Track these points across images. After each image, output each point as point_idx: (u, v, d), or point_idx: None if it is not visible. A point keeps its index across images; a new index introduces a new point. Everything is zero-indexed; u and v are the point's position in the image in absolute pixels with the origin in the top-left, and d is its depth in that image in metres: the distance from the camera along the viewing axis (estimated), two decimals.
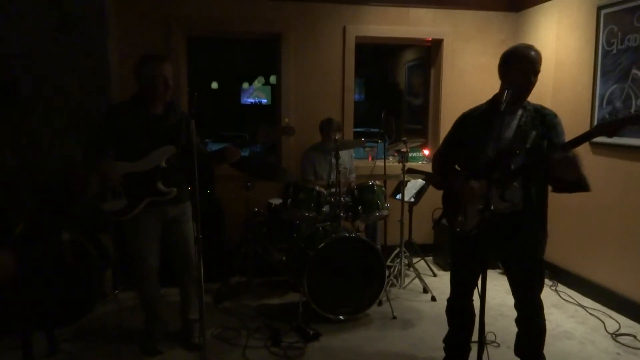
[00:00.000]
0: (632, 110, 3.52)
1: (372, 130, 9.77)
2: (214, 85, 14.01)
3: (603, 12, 3.79)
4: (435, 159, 2.71)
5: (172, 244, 2.97)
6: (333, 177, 3.79)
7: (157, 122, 2.81)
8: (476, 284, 2.54)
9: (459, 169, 2.58)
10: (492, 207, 2.19)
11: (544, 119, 2.33)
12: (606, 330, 3.41)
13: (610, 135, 2.01)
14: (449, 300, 2.70)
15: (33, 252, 3.41)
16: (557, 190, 2.30)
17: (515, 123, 2.33)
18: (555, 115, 2.36)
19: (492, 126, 2.33)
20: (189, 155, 2.46)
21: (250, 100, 15.80)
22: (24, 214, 3.67)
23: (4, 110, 3.93)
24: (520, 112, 2.36)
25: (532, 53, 2.33)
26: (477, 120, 2.43)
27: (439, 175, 2.65)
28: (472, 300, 2.63)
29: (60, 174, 3.92)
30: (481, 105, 2.51)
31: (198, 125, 2.44)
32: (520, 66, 2.32)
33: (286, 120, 3.02)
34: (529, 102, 2.40)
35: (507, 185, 2.28)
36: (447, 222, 2.60)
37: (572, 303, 3.89)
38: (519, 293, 2.47)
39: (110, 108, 2.89)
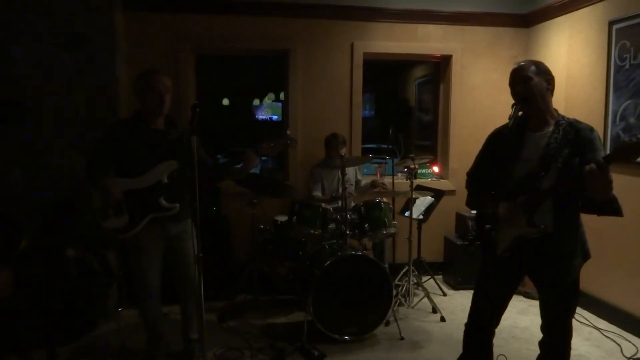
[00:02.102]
0: None
1: (383, 146, 9.73)
2: (225, 102, 14.11)
3: (615, 27, 3.73)
4: (468, 177, 2.58)
5: (174, 262, 2.93)
6: (340, 190, 3.74)
7: (159, 137, 2.79)
8: (501, 309, 2.45)
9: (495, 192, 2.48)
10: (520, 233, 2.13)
11: (578, 134, 2.16)
12: (623, 354, 3.28)
13: (632, 159, 1.85)
14: (467, 325, 2.53)
15: (37, 268, 3.40)
16: (585, 210, 2.17)
17: (544, 141, 2.20)
18: (591, 130, 2.19)
19: (520, 145, 2.25)
20: (193, 171, 2.41)
21: (262, 117, 15.89)
22: (30, 230, 3.67)
23: (13, 127, 3.97)
24: (551, 128, 2.22)
25: (515, 66, 2.28)
26: (506, 139, 2.28)
27: (470, 194, 2.54)
28: (495, 326, 2.49)
29: (68, 190, 3.93)
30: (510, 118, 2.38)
31: (209, 141, 2.40)
32: (510, 80, 2.28)
33: (288, 132, 2.98)
34: (563, 117, 2.25)
35: (535, 208, 2.16)
36: (481, 244, 2.46)
37: (587, 325, 3.76)
38: (548, 316, 2.36)
39: (112, 125, 2.89)
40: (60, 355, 3.12)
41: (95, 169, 2.79)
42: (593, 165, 1.87)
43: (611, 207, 2.04)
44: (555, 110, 2.29)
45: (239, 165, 2.87)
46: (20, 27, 3.93)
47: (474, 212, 2.56)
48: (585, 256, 2.29)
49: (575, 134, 2.17)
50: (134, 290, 2.95)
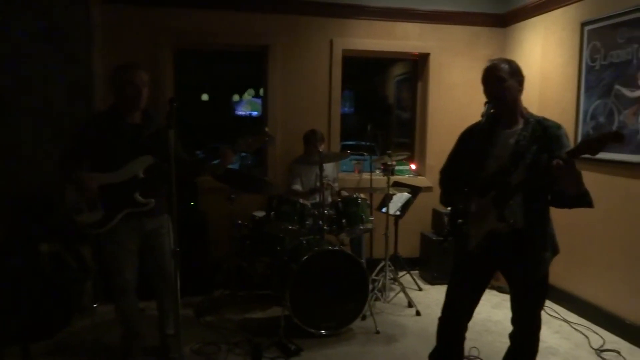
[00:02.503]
0: (614, 127, 3.54)
1: (362, 143, 9.78)
2: (205, 97, 14.00)
3: (587, 28, 3.83)
4: (441, 174, 2.63)
5: (150, 258, 2.91)
6: (318, 184, 3.76)
7: (135, 132, 2.76)
8: (474, 303, 2.51)
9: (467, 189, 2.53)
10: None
11: (546, 131, 2.24)
12: (590, 346, 3.39)
13: (593, 153, 1.94)
14: (441, 319, 2.58)
15: (10, 263, 3.35)
16: (556, 204, 2.24)
17: (514, 138, 2.27)
18: (558, 127, 2.27)
19: (490, 142, 2.31)
20: (170, 166, 2.39)
21: (241, 112, 15.82)
22: (3, 225, 3.61)
23: None
24: (520, 126, 2.30)
25: (488, 65, 2.34)
26: (477, 136, 2.35)
27: (444, 192, 2.58)
28: (468, 320, 2.54)
29: (41, 184, 3.86)
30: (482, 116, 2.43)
31: (188, 136, 2.39)
32: (483, 79, 2.34)
33: (266, 128, 2.98)
34: (532, 115, 2.33)
35: (505, 204, 2.22)
36: (454, 239, 2.50)
37: (558, 318, 3.87)
38: (519, 309, 2.43)
39: (87, 118, 2.85)
40: (35, 352, 3.08)
41: (70, 162, 2.75)
42: (559, 160, 1.94)
43: (583, 201, 2.10)
44: (525, 108, 2.36)
45: (215, 162, 2.87)
46: None
47: (448, 209, 2.60)
48: (555, 251, 2.36)
49: (543, 131, 2.24)
50: (110, 286, 2.92)
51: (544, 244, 2.32)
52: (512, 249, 2.30)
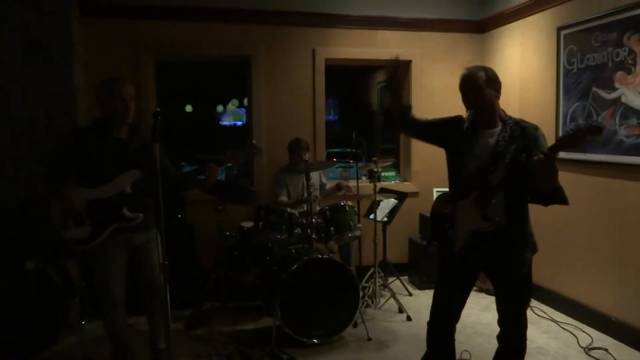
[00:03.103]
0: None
1: (347, 150, 9.83)
2: (188, 108, 13.96)
3: (563, 32, 3.92)
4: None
5: (139, 272, 2.89)
6: (305, 194, 3.77)
7: (121, 146, 2.75)
8: (459, 306, 2.53)
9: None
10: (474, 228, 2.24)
11: (524, 132, 2.31)
12: (579, 345, 3.44)
13: (573, 147, 2.00)
14: (430, 323, 2.60)
15: None
16: (533, 200, 2.29)
17: (494, 139, 2.33)
18: (536, 128, 2.34)
19: (470, 143, 2.37)
20: (157, 180, 2.36)
21: (226, 123, 15.78)
22: None
23: None
24: (499, 127, 2.36)
25: (465, 73, 2.39)
26: (458, 135, 2.42)
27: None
28: (456, 322, 2.57)
29: (24, 200, 3.81)
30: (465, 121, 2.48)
31: (172, 148, 2.38)
32: (460, 88, 2.40)
33: (254, 141, 3.00)
34: (510, 117, 2.39)
35: (487, 203, 2.27)
36: (437, 242, 2.56)
37: (546, 318, 3.92)
38: (504, 309, 2.46)
39: (72, 133, 2.83)
40: None
41: (55, 178, 2.71)
42: (541, 155, 2.01)
43: (558, 196, 2.17)
44: (503, 110, 2.42)
45: (201, 177, 2.87)
46: None
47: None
48: (534, 249, 2.41)
49: (522, 132, 2.32)
50: (98, 302, 2.89)
51: (524, 243, 2.37)
52: (495, 249, 2.34)
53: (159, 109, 2.42)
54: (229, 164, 4.29)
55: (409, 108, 2.63)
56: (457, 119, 2.51)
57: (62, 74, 3.98)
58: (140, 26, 4.39)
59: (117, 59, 4.34)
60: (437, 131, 2.56)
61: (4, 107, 3.89)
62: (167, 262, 2.36)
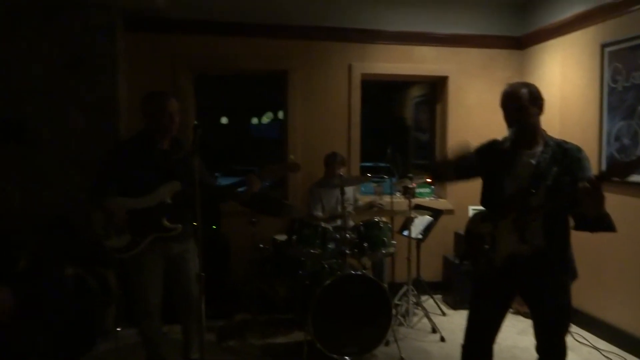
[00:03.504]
0: None
1: (380, 164, 9.78)
2: (224, 120, 14.23)
3: (607, 50, 3.82)
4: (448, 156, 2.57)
5: (175, 282, 2.93)
6: (340, 208, 3.76)
7: (163, 158, 2.82)
8: (496, 328, 2.46)
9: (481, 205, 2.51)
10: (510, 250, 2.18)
11: (566, 153, 2.25)
12: None
13: (622, 177, 1.93)
14: (464, 345, 2.53)
15: (36, 287, 3.39)
16: (579, 227, 2.20)
17: (534, 160, 2.27)
18: (579, 150, 2.27)
19: (510, 163, 2.31)
20: (195, 191, 2.42)
21: (260, 135, 16.00)
22: (29, 249, 3.67)
23: (12, 146, 3.99)
24: (540, 148, 2.30)
25: (507, 90, 2.34)
26: (497, 156, 2.36)
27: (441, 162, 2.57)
28: (492, 345, 2.49)
29: (66, 208, 3.94)
30: (503, 140, 2.40)
31: (208, 158, 2.42)
32: (502, 105, 2.35)
33: (292, 157, 3.01)
34: (551, 138, 2.33)
35: (526, 225, 2.21)
36: (471, 262, 2.50)
37: (587, 345, 3.77)
38: (542, 335, 2.37)
39: (116, 144, 2.91)
40: None
41: (99, 188, 2.80)
42: (586, 183, 1.94)
43: (604, 224, 2.08)
44: (544, 130, 2.36)
45: (241, 189, 2.90)
46: (22, 48, 3.97)
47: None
48: (574, 275, 2.33)
49: (563, 153, 2.25)
50: (134, 309, 2.94)
51: (564, 268, 2.29)
52: (532, 272, 2.27)
53: (197, 122, 2.47)
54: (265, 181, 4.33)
55: (454, 166, 2.50)
56: (493, 143, 2.46)
57: (105, 86, 4.12)
58: (181, 41, 4.51)
59: (157, 73, 4.46)
60: (475, 167, 2.47)
61: (49, 118, 4.03)
62: (203, 274, 2.38)
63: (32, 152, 4.02)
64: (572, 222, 2.26)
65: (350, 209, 4.37)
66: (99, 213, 2.75)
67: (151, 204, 2.73)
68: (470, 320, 2.51)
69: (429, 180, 4.41)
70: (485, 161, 2.44)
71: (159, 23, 4.43)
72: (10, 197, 3.98)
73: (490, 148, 2.46)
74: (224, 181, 3.33)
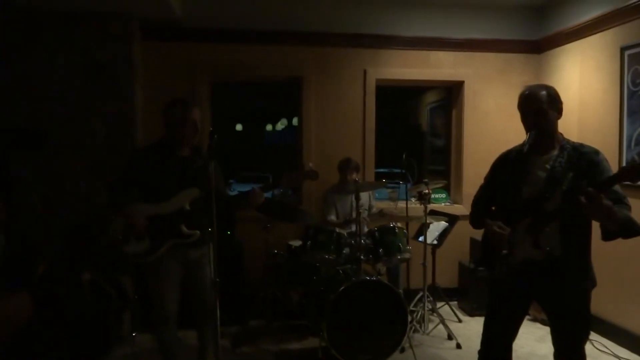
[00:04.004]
0: None
1: (395, 170, 9.74)
2: (239, 127, 14.33)
3: (627, 52, 3.76)
4: (474, 200, 2.59)
5: (192, 288, 2.94)
6: (354, 214, 3.75)
7: (183, 165, 2.84)
8: (512, 335, 2.42)
9: (495, 212, 2.47)
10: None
11: (582, 158, 2.19)
12: None
13: (634, 181, 1.89)
14: (481, 352, 2.49)
15: (54, 293, 3.43)
16: (604, 237, 2.09)
17: (550, 164, 2.23)
18: (597, 152, 2.21)
19: (525, 168, 2.27)
20: (211, 198, 2.47)
21: (274, 142, 16.07)
22: (47, 255, 3.72)
23: (33, 154, 4.06)
24: (556, 152, 2.25)
25: (526, 92, 2.29)
26: (512, 162, 2.33)
27: (476, 218, 2.54)
28: (510, 351, 2.45)
29: (84, 215, 3.99)
30: (518, 146, 2.39)
31: (222, 165, 2.44)
32: (520, 108, 2.31)
33: (310, 164, 3.02)
34: (568, 141, 2.28)
35: (540, 231, 2.17)
36: (486, 268, 2.45)
37: (607, 353, 3.69)
38: (560, 342, 2.32)
39: (136, 151, 2.95)
40: None
41: (119, 194, 2.83)
42: (583, 198, 1.90)
43: (629, 229, 2.01)
44: (560, 134, 2.32)
45: (244, 201, 2.91)
46: (41, 57, 4.05)
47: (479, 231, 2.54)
48: (593, 283, 2.27)
49: (579, 157, 2.20)
50: (151, 315, 2.95)
51: (582, 275, 2.24)
52: (549, 278, 2.22)
53: (212, 129, 2.49)
54: (284, 189, 4.35)
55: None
56: (503, 156, 2.46)
57: (123, 94, 4.17)
58: (197, 49, 4.56)
59: (175, 81, 4.51)
60: (494, 185, 2.46)
61: (67, 126, 4.09)
62: (218, 279, 2.39)
63: (52, 160, 4.09)
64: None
65: (365, 215, 4.36)
66: (119, 219, 2.78)
67: (171, 210, 2.76)
68: (487, 326, 2.47)
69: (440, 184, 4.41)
70: (500, 172, 2.42)
71: (175, 32, 4.49)
72: (32, 204, 4.05)
73: (504, 159, 2.44)
74: (239, 188, 3.37)
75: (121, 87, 4.17)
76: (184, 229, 2.77)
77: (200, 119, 2.87)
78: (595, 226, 2.16)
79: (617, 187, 2.07)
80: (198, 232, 2.79)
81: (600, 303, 3.96)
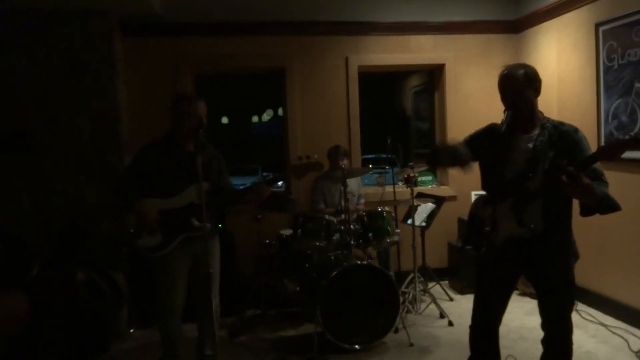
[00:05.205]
0: (638, 125, 3.51)
1: (382, 155, 9.81)
2: (224, 119, 14.28)
3: (601, 28, 3.83)
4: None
5: (197, 279, 2.97)
6: (343, 203, 3.81)
7: (191, 160, 2.85)
8: (501, 309, 2.51)
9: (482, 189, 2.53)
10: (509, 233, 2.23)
11: (563, 136, 2.25)
12: (630, 349, 3.32)
13: (610, 159, 1.97)
14: (472, 327, 2.58)
15: (50, 293, 3.45)
16: (582, 213, 2.18)
17: (531, 144, 2.28)
18: (575, 130, 2.27)
19: (508, 148, 2.32)
20: (215, 192, 2.67)
21: (261, 133, 16.04)
22: (40, 255, 3.73)
23: (20, 155, 4.05)
24: (537, 131, 2.30)
25: (504, 72, 2.34)
26: (495, 140, 2.36)
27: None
28: (498, 325, 2.55)
29: (74, 214, 4.00)
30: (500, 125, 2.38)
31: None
32: (499, 87, 2.36)
33: (315, 156, 3.09)
34: (548, 120, 2.33)
35: (523, 209, 2.24)
36: (472, 246, 2.54)
37: (594, 322, 3.80)
38: (547, 313, 2.41)
39: (143, 147, 2.97)
40: None
41: (128, 190, 2.87)
42: (564, 176, 1.97)
43: (605, 205, 2.08)
44: (541, 112, 2.37)
45: (248, 195, 2.99)
46: (23, 58, 4.02)
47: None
48: (576, 256, 2.36)
49: (560, 136, 2.26)
50: (157, 306, 2.98)
51: (565, 249, 2.33)
52: (534, 254, 2.30)
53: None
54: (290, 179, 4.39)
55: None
56: (490, 128, 2.47)
57: (105, 91, 4.16)
58: (178, 43, 4.55)
59: (158, 76, 4.51)
60: (472, 150, 2.47)
61: (52, 125, 4.08)
62: (211, 271, 2.44)
63: (39, 160, 4.08)
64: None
65: (360, 202, 4.44)
66: (131, 215, 2.83)
67: (181, 205, 2.81)
68: (476, 303, 2.56)
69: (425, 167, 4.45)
70: (483, 146, 2.45)
71: (156, 27, 4.47)
72: (21, 205, 4.04)
73: (488, 133, 2.47)
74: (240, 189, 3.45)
75: (104, 84, 4.16)
76: (195, 222, 2.80)
77: (205, 114, 2.91)
78: (576, 202, 2.23)
79: (596, 164, 2.14)
80: (208, 225, 2.82)
81: (586, 274, 4.08)
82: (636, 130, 3.51)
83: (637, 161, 3.52)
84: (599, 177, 2.16)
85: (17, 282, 3.15)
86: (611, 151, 1.96)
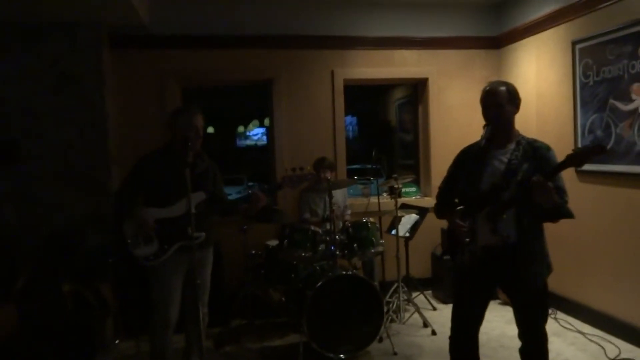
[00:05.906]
0: (612, 139, 3.65)
1: (367, 166, 9.89)
2: (210, 129, 14.28)
3: (578, 46, 3.97)
4: (438, 192, 2.76)
5: (190, 288, 2.98)
6: (327, 214, 3.88)
7: (190, 170, 2.89)
8: (479, 319, 2.58)
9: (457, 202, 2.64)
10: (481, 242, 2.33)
11: (536, 152, 2.40)
12: (607, 356, 3.42)
13: (578, 166, 2.12)
14: (451, 337, 2.65)
15: (35, 304, 3.45)
16: (542, 219, 2.37)
17: (507, 157, 2.42)
18: (547, 148, 2.43)
19: (485, 161, 2.45)
20: (214, 202, 2.78)
21: (247, 143, 16.06)
22: (26, 267, 3.72)
23: (6, 167, 4.04)
24: (512, 146, 2.44)
25: (487, 88, 2.49)
26: (473, 156, 2.51)
27: (439, 204, 2.71)
28: (477, 334, 2.62)
29: (60, 225, 4.00)
30: (477, 141, 2.54)
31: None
32: (482, 102, 2.50)
33: (308, 167, 3.16)
34: (523, 137, 2.48)
35: (497, 218, 2.35)
36: (450, 256, 2.64)
37: (572, 330, 3.91)
38: (523, 323, 2.50)
39: (141, 158, 3.02)
40: None
41: (127, 200, 2.91)
42: (539, 178, 2.16)
43: (561, 212, 2.29)
44: (517, 130, 2.52)
45: (244, 204, 3.04)
46: (9, 68, 4.03)
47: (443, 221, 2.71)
48: (549, 268, 2.47)
49: (533, 152, 2.41)
50: (152, 319, 2.98)
51: (538, 259, 2.43)
52: (507, 264, 2.40)
53: (187, 136, 2.60)
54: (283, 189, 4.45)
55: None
56: (465, 151, 2.63)
57: (93, 103, 4.17)
58: (166, 55, 4.60)
59: (145, 88, 4.55)
60: (456, 178, 2.63)
61: (39, 136, 4.08)
62: (202, 280, 2.48)
63: (25, 171, 4.07)
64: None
65: (347, 213, 4.50)
66: (129, 223, 2.86)
67: (179, 214, 2.85)
68: (454, 313, 2.63)
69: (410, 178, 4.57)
70: (462, 165, 2.60)
71: (144, 39, 4.51)
72: (4, 216, 4.03)
73: (466, 152, 2.62)
74: (235, 198, 3.51)
75: (91, 96, 4.17)
76: (191, 231, 2.84)
77: (202, 125, 2.98)
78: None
79: (562, 183, 2.34)
80: (204, 234, 2.87)
81: (564, 283, 4.20)
82: (611, 143, 3.64)
83: (610, 174, 3.66)
84: (561, 193, 2.32)
85: (3, 293, 3.16)
86: (578, 158, 2.13)
